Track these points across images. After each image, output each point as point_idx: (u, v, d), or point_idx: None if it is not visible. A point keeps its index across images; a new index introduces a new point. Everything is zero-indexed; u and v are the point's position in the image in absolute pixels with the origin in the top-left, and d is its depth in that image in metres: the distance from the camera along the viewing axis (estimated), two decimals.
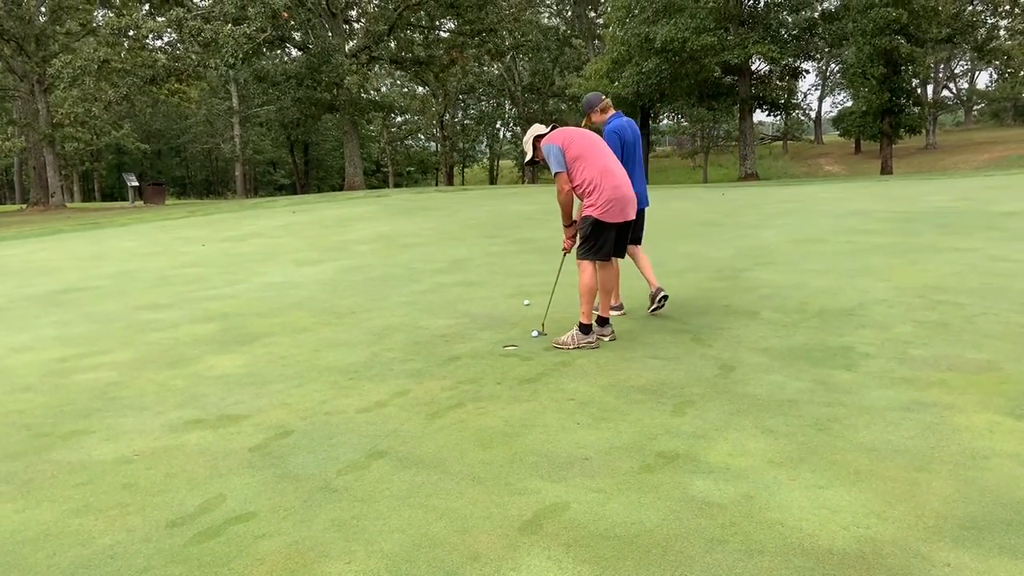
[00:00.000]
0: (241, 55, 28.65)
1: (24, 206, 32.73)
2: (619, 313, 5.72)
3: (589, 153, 4.86)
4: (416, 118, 57.42)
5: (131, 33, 26.87)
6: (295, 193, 50.95)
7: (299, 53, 39.80)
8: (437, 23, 40.04)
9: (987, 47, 36.31)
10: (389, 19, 36.40)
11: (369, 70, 37.83)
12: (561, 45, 47.77)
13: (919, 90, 40.96)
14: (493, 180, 60.90)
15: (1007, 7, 36.64)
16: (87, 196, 58.18)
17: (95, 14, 29.68)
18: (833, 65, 56.61)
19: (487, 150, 63.70)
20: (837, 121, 50.64)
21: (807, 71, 42.21)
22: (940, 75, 55.84)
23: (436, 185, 55.02)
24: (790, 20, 35.79)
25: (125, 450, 3.47)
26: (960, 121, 70.27)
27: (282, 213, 17.89)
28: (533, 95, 52.68)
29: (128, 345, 5.56)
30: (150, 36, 28.11)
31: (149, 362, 5.05)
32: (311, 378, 4.49)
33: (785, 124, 54.50)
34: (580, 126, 5.27)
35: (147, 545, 2.59)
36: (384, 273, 8.43)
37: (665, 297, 5.63)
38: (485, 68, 49.98)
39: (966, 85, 64.87)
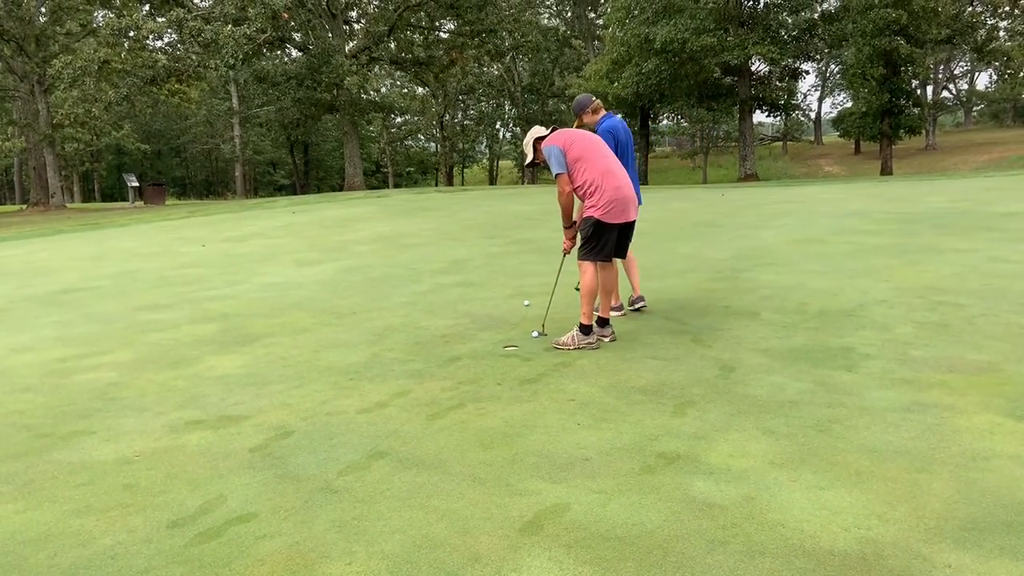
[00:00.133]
0: (241, 56, 28.65)
1: (24, 206, 32.73)
2: (619, 314, 5.72)
3: (590, 154, 4.86)
4: (416, 119, 57.43)
5: (131, 34, 26.88)
6: (295, 193, 50.96)
7: (299, 54, 39.81)
8: (437, 24, 40.06)
9: (987, 48, 36.35)
10: (389, 20, 36.41)
11: (369, 71, 37.84)
12: (561, 46, 47.79)
13: (919, 91, 41.02)
14: (493, 181, 60.91)
15: (1007, 8, 36.66)
16: (87, 196, 58.18)
17: (95, 15, 29.71)
18: (833, 66, 56.68)
19: (487, 151, 63.72)
20: (837, 122, 50.70)
21: (807, 72, 42.26)
22: (940, 76, 55.88)
23: (436, 185, 55.02)
24: (790, 21, 35.81)
25: (126, 451, 3.47)
26: (960, 122, 70.32)
27: (282, 213, 17.89)
28: (533, 96, 52.72)
29: (128, 345, 5.56)
30: (150, 37, 28.13)
31: (149, 362, 5.04)
32: (311, 378, 4.49)
33: (785, 125, 54.54)
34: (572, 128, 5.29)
35: (148, 546, 2.59)
36: (384, 273, 8.43)
37: (643, 307, 5.81)
38: (485, 69, 50.02)
39: (966, 86, 64.98)
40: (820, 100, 67.41)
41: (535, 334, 5.25)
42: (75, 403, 4.23)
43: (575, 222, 5.13)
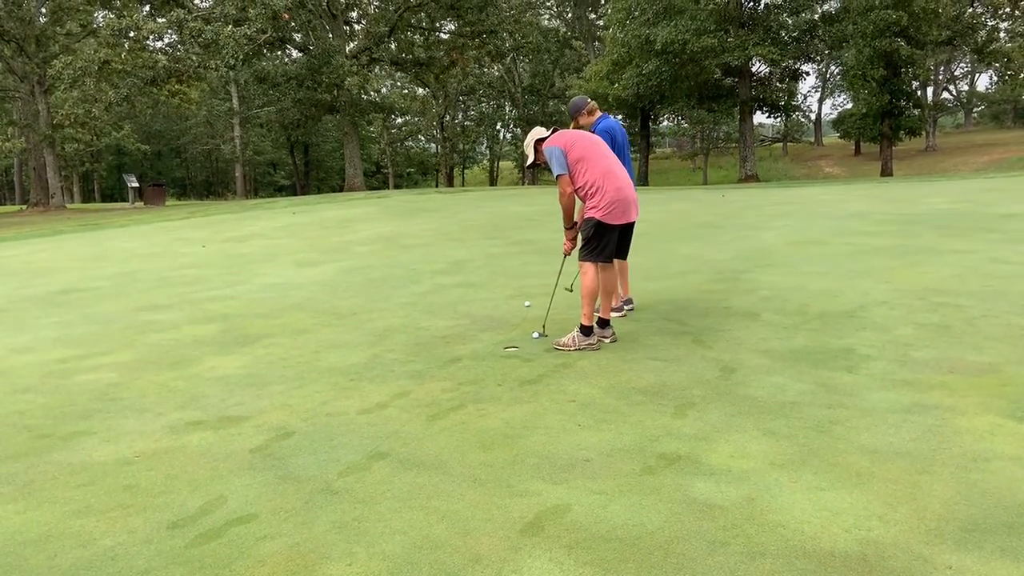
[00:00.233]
0: (242, 56, 28.67)
1: (24, 207, 32.74)
2: (620, 315, 5.72)
3: (591, 155, 4.86)
4: (416, 119, 57.44)
5: (132, 34, 26.88)
6: (295, 194, 50.95)
7: (300, 54, 39.83)
8: (437, 24, 40.08)
9: (987, 49, 36.34)
10: (389, 20, 36.43)
11: (369, 71, 37.86)
12: (561, 47, 47.83)
13: (919, 92, 41.03)
14: (493, 181, 60.92)
15: (1007, 9, 36.67)
16: (87, 197, 58.20)
17: (96, 15, 29.71)
18: (833, 67, 56.67)
19: (487, 151, 63.73)
20: (837, 123, 50.75)
21: (807, 73, 42.26)
22: (940, 77, 55.88)
23: (436, 186, 55.06)
24: (790, 22, 35.84)
25: (126, 451, 3.47)
26: (960, 123, 70.31)
27: (282, 214, 17.89)
28: (533, 97, 52.73)
29: (129, 346, 5.56)
30: (151, 37, 28.13)
31: (150, 363, 5.04)
32: (312, 379, 4.48)
33: (785, 126, 54.55)
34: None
35: (148, 547, 2.58)
36: (384, 274, 8.43)
37: (629, 310, 5.82)
38: (485, 70, 50.03)
39: (966, 87, 64.95)
40: (820, 101, 67.39)
41: (536, 335, 5.25)
42: (75, 404, 4.23)
43: (576, 223, 5.13)
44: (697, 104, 39.05)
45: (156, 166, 60.59)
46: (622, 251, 5.14)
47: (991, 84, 61.76)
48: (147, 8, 30.19)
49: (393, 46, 39.23)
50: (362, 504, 2.82)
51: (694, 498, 2.77)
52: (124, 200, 37.10)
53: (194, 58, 28.31)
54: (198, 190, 63.35)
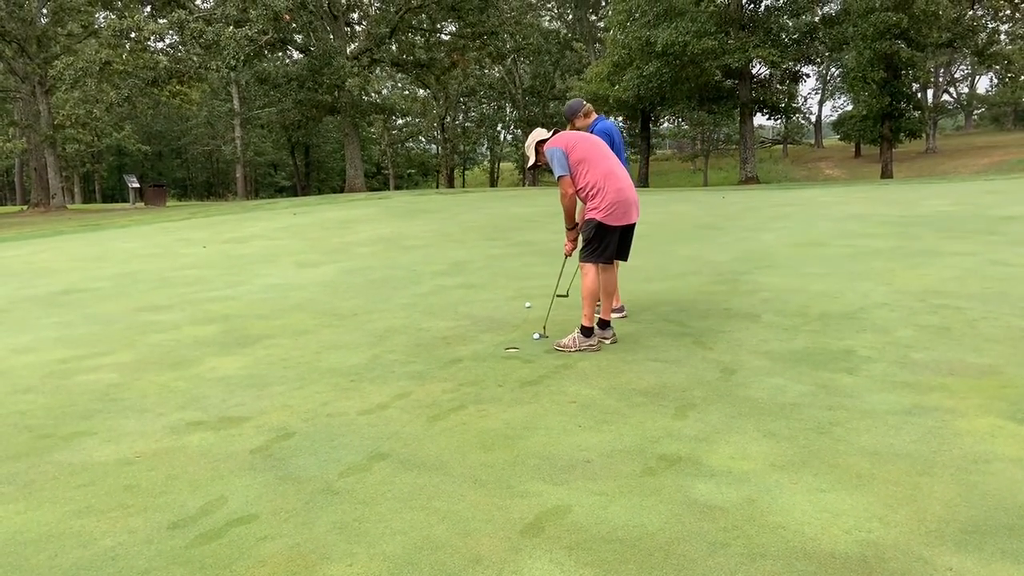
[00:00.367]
0: (243, 57, 28.68)
1: (25, 207, 32.75)
2: (620, 316, 5.72)
3: (592, 156, 4.87)
4: (417, 120, 57.49)
5: (133, 35, 26.90)
6: (296, 195, 50.98)
7: (300, 55, 39.85)
8: (438, 26, 40.11)
9: (987, 52, 36.34)
10: (390, 22, 36.46)
11: (370, 72, 37.89)
12: (562, 48, 47.88)
13: (919, 94, 41.06)
14: (494, 183, 60.95)
15: (1008, 12, 36.69)
16: (88, 197, 58.23)
17: (97, 16, 29.74)
18: (833, 69, 56.70)
19: (488, 153, 63.76)
20: (837, 125, 50.76)
21: (807, 75, 42.33)
22: (940, 79, 55.88)
23: (437, 187, 55.06)
24: (791, 24, 35.87)
25: (126, 452, 3.47)
26: (960, 125, 70.33)
27: (283, 215, 17.90)
28: (534, 98, 52.76)
29: (129, 346, 5.56)
30: (152, 38, 28.15)
31: (150, 363, 5.04)
32: (312, 380, 4.49)
33: (785, 128, 54.54)
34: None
35: (149, 547, 2.59)
36: (385, 275, 8.43)
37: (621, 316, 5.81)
38: (486, 71, 50.07)
39: (966, 89, 64.98)
40: (820, 103, 67.24)
41: (536, 336, 5.26)
42: (76, 404, 4.23)
43: (577, 224, 5.13)
44: (697, 106, 39.09)
45: (157, 167, 60.63)
46: (623, 252, 5.14)
47: (991, 86, 61.82)
48: (148, 9, 30.22)
49: (394, 47, 39.27)
50: (363, 505, 2.83)
51: (695, 499, 2.77)
52: (125, 201, 37.11)
53: (195, 59, 28.34)
54: (199, 191, 63.39)
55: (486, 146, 63.08)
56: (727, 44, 33.28)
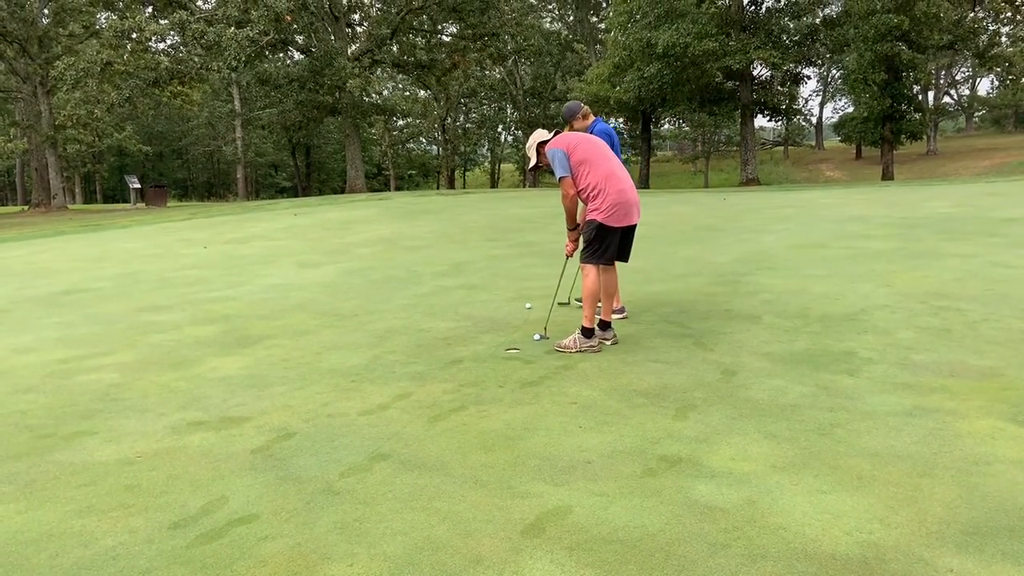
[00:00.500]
0: (244, 58, 28.71)
1: (26, 207, 32.78)
2: (621, 317, 5.72)
3: (593, 157, 4.87)
4: (418, 122, 57.49)
5: (134, 35, 26.93)
6: (296, 196, 50.97)
7: (302, 56, 39.88)
8: (439, 27, 40.12)
9: (988, 54, 36.36)
10: (391, 23, 36.48)
11: (371, 73, 37.90)
12: (563, 50, 47.82)
13: (920, 96, 41.06)
14: (494, 184, 60.96)
15: (1009, 14, 36.71)
16: (89, 198, 58.26)
17: (98, 16, 29.77)
18: (834, 71, 56.72)
19: (488, 154, 63.77)
20: (838, 127, 50.79)
21: (808, 77, 42.42)
22: (941, 81, 55.91)
23: (437, 188, 55.08)
24: (792, 26, 35.86)
25: (127, 451, 3.47)
26: (961, 127, 70.32)
27: (284, 216, 17.91)
28: (535, 99, 52.77)
29: (130, 347, 5.57)
30: (153, 39, 28.18)
31: (151, 364, 5.05)
32: (313, 380, 4.49)
33: (786, 129, 54.55)
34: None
35: (149, 546, 2.59)
36: (386, 276, 8.44)
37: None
38: (487, 72, 50.05)
39: (967, 91, 64.97)
40: (821, 105, 67.29)
41: (537, 337, 5.26)
42: (77, 404, 4.23)
43: (579, 225, 5.13)
44: (698, 107, 39.08)
45: (158, 167, 60.66)
46: (624, 254, 5.14)
47: (992, 89, 61.86)
48: (150, 9, 30.24)
49: (395, 48, 39.28)
50: (363, 505, 2.83)
51: (695, 500, 2.77)
52: (126, 201, 37.14)
53: (196, 60, 28.36)
54: (199, 191, 63.41)
55: (487, 147, 63.09)
56: (728, 46, 33.27)
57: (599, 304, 5.04)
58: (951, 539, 2.44)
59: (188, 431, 3.70)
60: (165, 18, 29.20)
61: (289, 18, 30.91)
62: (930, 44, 32.66)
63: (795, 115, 43.84)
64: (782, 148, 58.20)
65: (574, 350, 4.85)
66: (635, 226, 5.08)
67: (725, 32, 33.98)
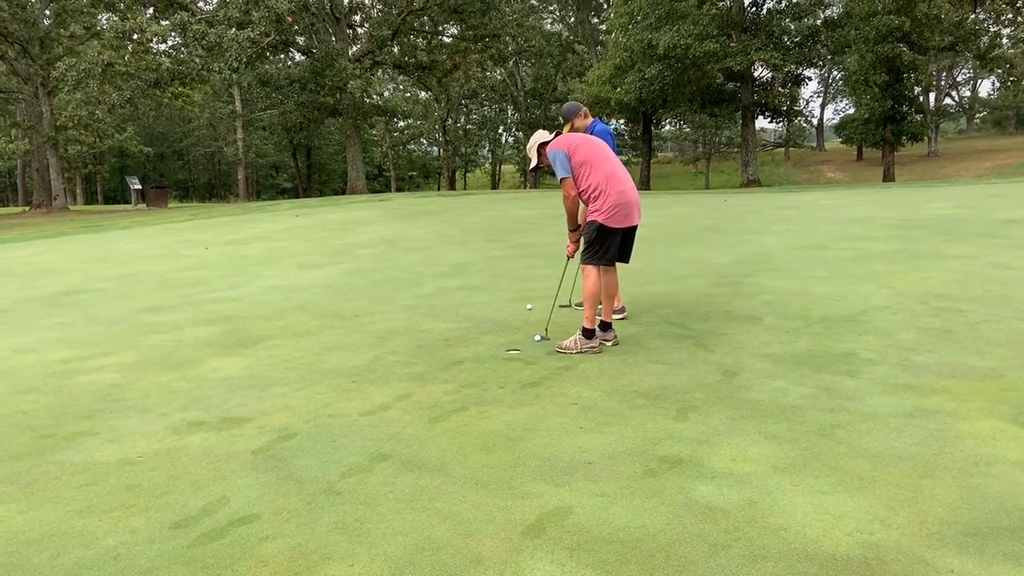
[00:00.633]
0: (245, 59, 28.72)
1: (27, 208, 32.81)
2: (621, 317, 5.72)
3: (594, 158, 4.87)
4: (419, 123, 57.54)
5: (135, 36, 26.96)
6: (297, 197, 51.01)
7: (303, 57, 39.91)
8: (440, 28, 40.16)
9: (989, 55, 36.33)
10: (392, 24, 36.51)
11: (372, 75, 37.93)
12: (564, 51, 47.87)
13: (921, 98, 41.03)
14: (495, 185, 60.97)
15: (1010, 15, 36.69)
16: (90, 199, 58.29)
17: (99, 17, 29.81)
18: (835, 72, 56.68)
19: (489, 155, 63.80)
20: (839, 128, 50.75)
21: (809, 78, 42.53)
22: (942, 83, 55.88)
23: (438, 189, 55.10)
24: (792, 27, 35.86)
25: (128, 452, 3.47)
26: (962, 129, 70.31)
27: (284, 217, 17.92)
28: (536, 100, 52.79)
29: (131, 347, 5.57)
30: (154, 40, 28.21)
31: (152, 364, 5.05)
32: (314, 381, 4.49)
33: (787, 131, 54.58)
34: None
35: (150, 546, 2.59)
36: (386, 277, 8.44)
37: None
38: (488, 73, 50.09)
39: (968, 93, 64.95)
40: (822, 106, 67.32)
41: (538, 338, 5.26)
42: (78, 404, 4.23)
43: (580, 225, 5.13)
44: (699, 109, 39.06)
45: (159, 168, 60.70)
46: (624, 255, 5.14)
47: (993, 90, 61.85)
48: (151, 11, 30.27)
49: (396, 50, 39.31)
50: (364, 505, 2.83)
51: (696, 501, 2.77)
52: (127, 202, 37.17)
53: (197, 61, 28.39)
54: (200, 192, 63.46)
55: (487, 148, 63.11)
56: (729, 47, 33.26)
57: (600, 305, 5.04)
58: (952, 540, 2.44)
59: (189, 431, 3.71)
60: (166, 19, 29.22)
61: (290, 19, 30.94)
62: (931, 45, 32.64)
63: (796, 116, 43.88)
64: (783, 149, 58.24)
65: (575, 351, 4.85)
66: (636, 227, 5.08)
67: (726, 33, 33.98)
